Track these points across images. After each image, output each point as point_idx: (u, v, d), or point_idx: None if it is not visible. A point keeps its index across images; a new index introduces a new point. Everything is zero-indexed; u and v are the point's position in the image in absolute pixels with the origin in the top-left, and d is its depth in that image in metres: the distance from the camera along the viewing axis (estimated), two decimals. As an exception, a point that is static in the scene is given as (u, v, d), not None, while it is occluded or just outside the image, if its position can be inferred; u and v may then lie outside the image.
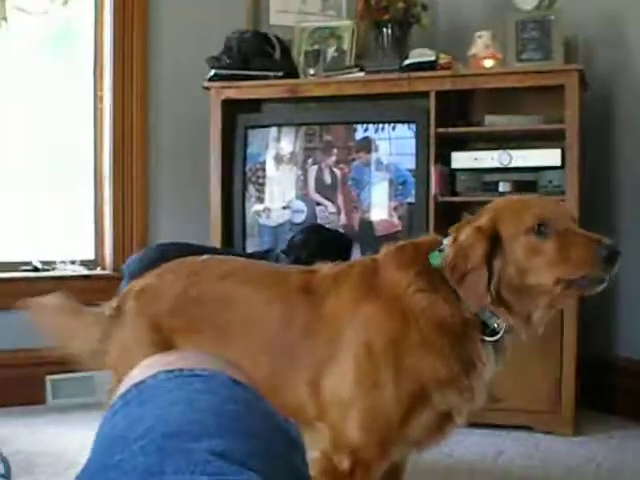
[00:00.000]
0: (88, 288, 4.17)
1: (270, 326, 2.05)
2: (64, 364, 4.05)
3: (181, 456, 0.70)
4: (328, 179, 4.09)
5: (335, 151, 4.09)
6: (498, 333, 1.91)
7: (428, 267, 1.93)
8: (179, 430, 0.74)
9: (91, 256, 4.42)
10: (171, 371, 0.87)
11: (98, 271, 4.37)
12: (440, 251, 1.94)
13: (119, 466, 0.71)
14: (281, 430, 0.84)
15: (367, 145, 4.04)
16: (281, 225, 4.13)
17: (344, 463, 1.87)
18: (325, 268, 2.10)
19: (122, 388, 0.90)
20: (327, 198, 4.08)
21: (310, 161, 4.12)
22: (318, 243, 3.41)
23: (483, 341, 1.91)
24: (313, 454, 1.87)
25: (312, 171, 4.11)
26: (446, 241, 1.95)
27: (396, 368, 1.87)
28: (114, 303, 2.27)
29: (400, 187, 4.00)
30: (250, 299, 2.11)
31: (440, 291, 1.91)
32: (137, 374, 0.91)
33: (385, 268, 1.97)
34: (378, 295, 1.94)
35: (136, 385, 0.87)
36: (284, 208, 4.13)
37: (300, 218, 4.08)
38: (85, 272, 4.33)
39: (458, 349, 1.89)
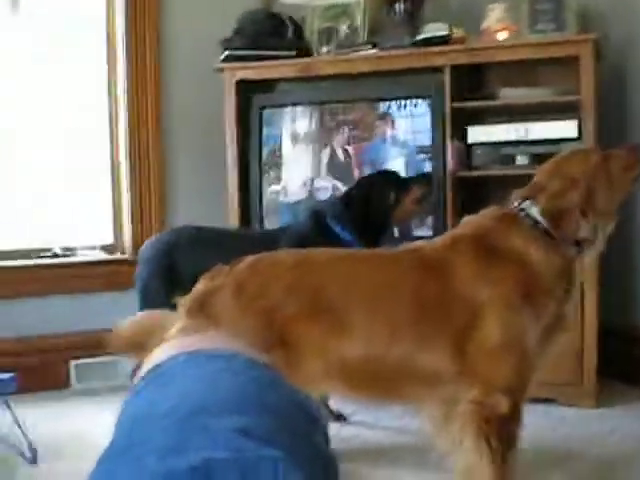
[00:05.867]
0: (108, 272, 4.22)
1: (401, 302, 2.17)
2: (88, 349, 4.11)
3: (203, 433, 0.71)
4: (342, 157, 4.09)
5: (351, 129, 4.08)
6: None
7: (532, 230, 2.24)
8: (201, 409, 0.75)
9: (110, 241, 4.44)
10: (191, 352, 0.88)
11: (118, 255, 4.39)
12: (528, 216, 2.25)
13: (142, 444, 0.72)
14: (302, 408, 0.84)
15: (383, 122, 4.04)
16: (299, 203, 4.13)
17: (502, 405, 2.11)
18: (428, 245, 2.31)
19: (143, 370, 0.90)
20: (340, 177, 4.09)
21: (325, 140, 4.12)
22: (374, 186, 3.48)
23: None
24: (460, 408, 2.12)
25: (326, 151, 4.11)
26: (527, 205, 2.27)
27: (531, 315, 2.15)
28: (186, 305, 2.21)
29: (417, 163, 3.99)
30: (373, 279, 2.23)
31: (549, 246, 2.22)
32: (158, 356, 0.91)
33: (499, 237, 2.23)
34: (505, 260, 2.19)
35: (157, 367, 0.88)
36: (304, 186, 4.13)
37: (324, 195, 4.08)
38: (105, 257, 4.36)
39: (566, 285, 2.25)
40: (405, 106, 3.99)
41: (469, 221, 2.34)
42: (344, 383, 2.18)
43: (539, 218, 2.25)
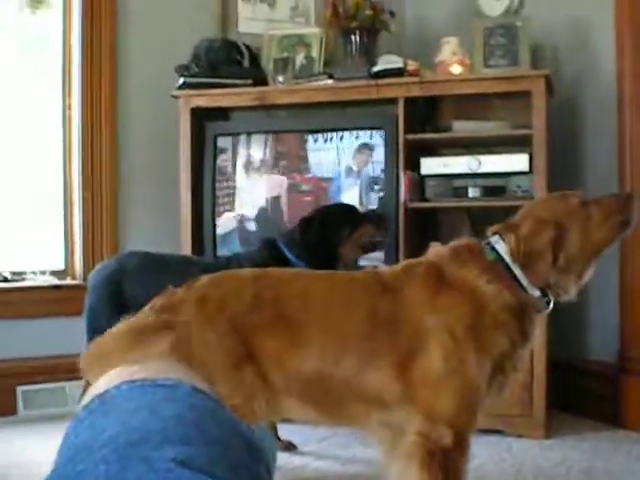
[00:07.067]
0: (58, 298, 4.18)
1: (353, 320, 2.17)
2: (35, 375, 4.06)
3: (143, 464, 0.70)
4: (295, 187, 4.11)
5: (304, 158, 4.10)
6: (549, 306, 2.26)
7: (489, 263, 2.22)
8: (141, 438, 0.75)
9: (61, 266, 4.40)
10: (134, 381, 0.87)
11: (68, 281, 4.35)
12: (492, 249, 2.24)
13: (81, 475, 0.72)
14: (243, 438, 0.84)
15: (338, 152, 4.06)
16: (252, 232, 4.13)
17: (446, 437, 2.06)
18: (387, 269, 2.33)
19: (86, 399, 0.90)
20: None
21: (279, 169, 4.14)
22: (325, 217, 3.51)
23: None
24: (406, 438, 2.08)
25: (279, 180, 4.13)
26: (494, 240, 2.25)
27: (476, 346, 2.12)
28: (144, 319, 2.14)
29: (370, 193, 4.01)
30: (329, 295, 2.23)
31: (504, 280, 2.19)
32: (101, 385, 0.91)
33: (454, 266, 2.22)
34: (455, 289, 2.18)
35: (100, 396, 0.87)
36: (257, 215, 4.14)
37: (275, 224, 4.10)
38: (55, 282, 4.32)
39: (519, 325, 2.20)
40: (359, 137, 4.02)
41: (433, 249, 2.33)
42: (300, 399, 2.17)
43: (502, 253, 2.23)
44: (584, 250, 2.26)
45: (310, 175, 4.11)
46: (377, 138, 3.98)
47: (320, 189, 4.10)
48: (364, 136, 4.02)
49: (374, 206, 3.98)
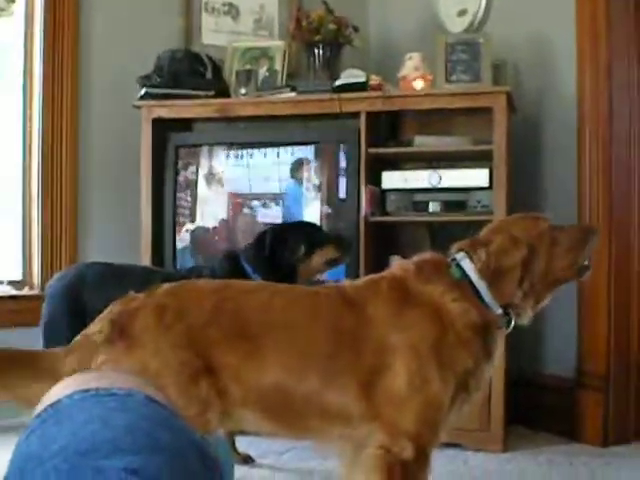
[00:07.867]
0: (15, 309, 4.13)
1: (315, 335, 2.15)
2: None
3: (93, 474, 0.70)
4: (257, 200, 4.11)
5: (266, 171, 4.10)
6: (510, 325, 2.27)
7: (454, 280, 2.22)
8: (92, 448, 0.74)
9: (19, 276, 4.35)
10: (87, 390, 0.87)
11: (26, 291, 4.30)
12: (457, 266, 2.22)
13: (32, 485, 0.71)
14: (197, 447, 0.84)
15: (298, 165, 4.06)
16: (212, 243, 4.13)
17: (407, 451, 2.06)
18: (350, 284, 2.29)
19: (39, 408, 0.89)
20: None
21: (240, 181, 4.13)
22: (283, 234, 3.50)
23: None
24: (367, 452, 2.08)
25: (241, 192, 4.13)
26: (459, 256, 2.23)
27: (439, 364, 2.11)
28: (98, 328, 2.07)
29: (331, 207, 4.02)
30: (291, 309, 2.20)
31: (469, 299, 2.19)
32: (54, 394, 0.90)
33: (419, 282, 2.21)
34: (419, 305, 2.17)
35: (52, 405, 0.86)
36: (218, 226, 4.13)
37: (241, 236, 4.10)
38: (13, 292, 4.27)
39: (483, 343, 2.20)
40: (321, 150, 4.03)
41: (397, 263, 2.33)
42: (258, 411, 2.15)
43: (468, 270, 2.22)
44: (546, 276, 2.27)
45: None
46: (339, 151, 3.99)
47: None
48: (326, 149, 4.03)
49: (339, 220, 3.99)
